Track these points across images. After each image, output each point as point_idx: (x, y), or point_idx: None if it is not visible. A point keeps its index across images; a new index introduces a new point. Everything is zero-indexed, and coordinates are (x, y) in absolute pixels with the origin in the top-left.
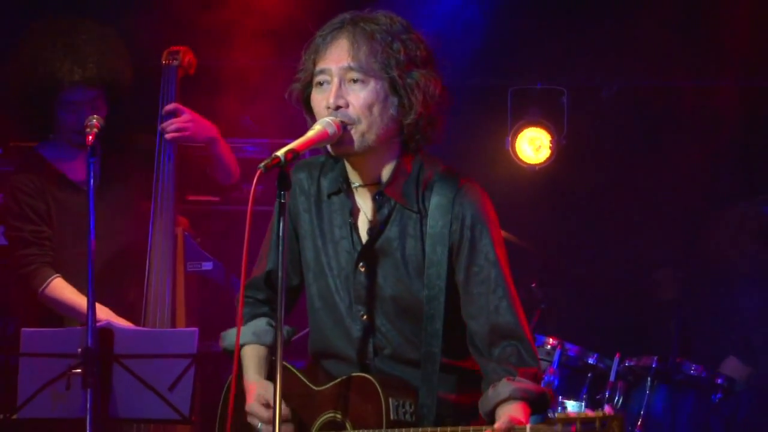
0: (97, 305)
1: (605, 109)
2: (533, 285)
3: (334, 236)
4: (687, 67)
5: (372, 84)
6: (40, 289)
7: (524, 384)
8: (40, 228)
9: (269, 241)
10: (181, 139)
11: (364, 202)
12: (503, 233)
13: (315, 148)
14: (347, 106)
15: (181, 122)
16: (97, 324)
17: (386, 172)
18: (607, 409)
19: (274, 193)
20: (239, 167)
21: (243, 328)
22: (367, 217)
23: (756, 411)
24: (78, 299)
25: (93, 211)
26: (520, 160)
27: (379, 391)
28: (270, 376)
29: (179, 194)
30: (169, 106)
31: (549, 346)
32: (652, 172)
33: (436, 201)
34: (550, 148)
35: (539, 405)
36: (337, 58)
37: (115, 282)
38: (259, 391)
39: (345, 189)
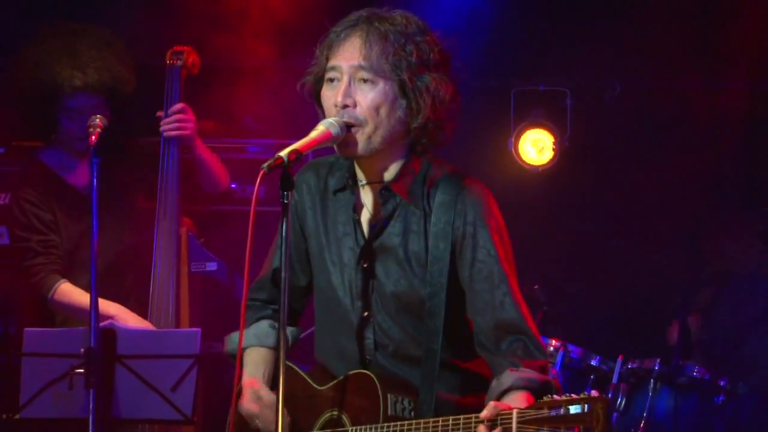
0: (108, 302)
1: (609, 111)
2: (536, 287)
3: (337, 233)
4: (692, 68)
5: (381, 85)
6: (49, 296)
7: (527, 373)
8: (47, 237)
9: (277, 240)
10: (183, 138)
11: (369, 199)
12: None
13: (320, 148)
14: (355, 105)
15: (182, 120)
16: (107, 321)
17: (393, 170)
18: (592, 392)
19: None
20: (241, 168)
21: (245, 332)
22: (370, 213)
23: (758, 413)
24: (87, 300)
25: (96, 212)
26: (523, 161)
27: (377, 386)
28: (274, 379)
29: (183, 195)
30: (177, 106)
31: (552, 348)
32: (656, 174)
33: (440, 199)
34: (553, 149)
35: (544, 394)
36: (348, 56)
37: (120, 282)
38: (251, 387)
39: (351, 186)
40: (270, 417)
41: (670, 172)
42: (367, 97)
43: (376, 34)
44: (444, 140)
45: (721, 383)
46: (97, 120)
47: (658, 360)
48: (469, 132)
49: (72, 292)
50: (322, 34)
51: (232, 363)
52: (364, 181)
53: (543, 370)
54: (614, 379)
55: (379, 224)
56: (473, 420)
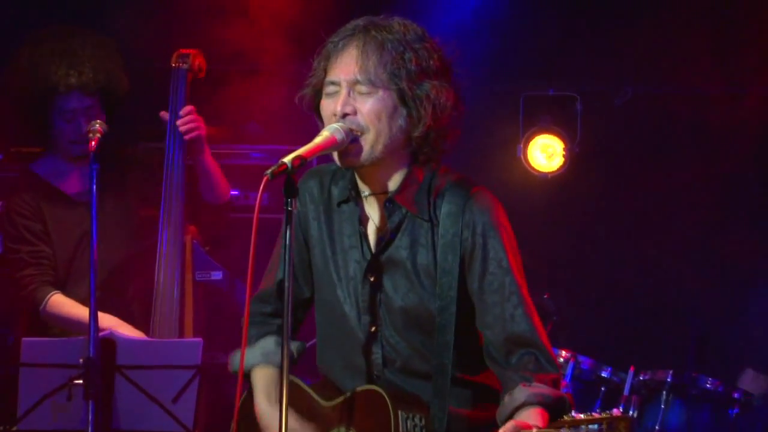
0: (103, 314)
1: (619, 116)
2: (545, 296)
3: (343, 245)
4: (705, 73)
5: (380, 93)
6: (41, 308)
7: (540, 389)
8: (38, 248)
9: (278, 250)
10: (200, 139)
11: (374, 211)
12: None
13: (323, 154)
14: (355, 113)
15: (197, 120)
16: (100, 333)
17: (396, 181)
18: (614, 411)
19: (283, 200)
20: (244, 174)
21: (251, 349)
22: (376, 225)
23: None
24: (79, 311)
25: (95, 219)
26: (533, 167)
27: (388, 403)
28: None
29: (188, 201)
30: (187, 108)
31: (562, 359)
32: (668, 180)
33: (447, 209)
34: (563, 155)
35: (558, 410)
36: (346, 69)
37: (122, 291)
38: (270, 423)
39: (354, 197)
40: None
41: (684, 179)
42: (366, 105)
43: (373, 43)
44: (447, 148)
45: (735, 395)
46: (97, 125)
47: (671, 371)
48: (476, 137)
49: (64, 304)
50: (320, 45)
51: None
52: (367, 192)
53: (555, 383)
54: (625, 391)
55: (385, 237)
56: None
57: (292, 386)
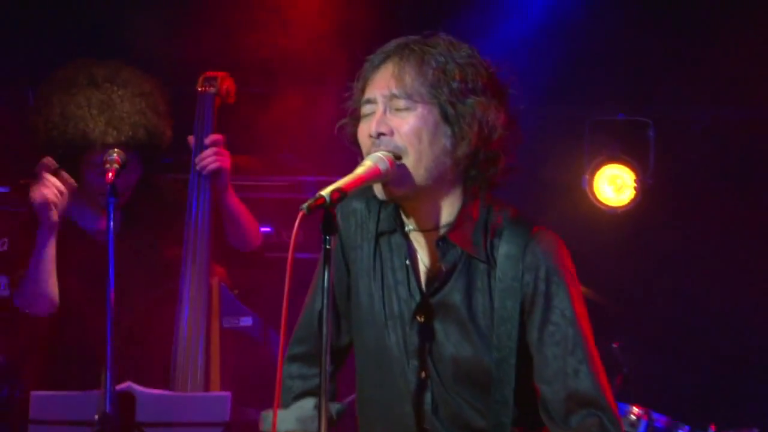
0: None
1: (697, 144)
2: (615, 346)
3: (389, 280)
4: None
5: (419, 109)
6: (15, 292)
7: None
8: None
9: (314, 290)
10: (222, 173)
11: (423, 247)
12: (581, 287)
13: (366, 186)
14: (392, 133)
15: (221, 153)
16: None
17: (447, 216)
18: None
19: (320, 238)
20: (277, 209)
21: (286, 412)
22: (424, 264)
23: None
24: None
25: (113, 256)
26: (599, 201)
27: None
28: None
29: (215, 240)
30: (214, 137)
31: (633, 417)
32: (752, 216)
33: (505, 250)
34: (634, 187)
35: None
36: (382, 84)
37: (138, 338)
38: None
39: (400, 230)
40: None
41: (766, 214)
42: (404, 122)
43: (412, 56)
44: (500, 177)
45: None
46: (115, 155)
47: (756, 430)
48: (536, 167)
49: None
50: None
51: None
52: (412, 228)
53: None
54: None
55: (439, 278)
56: None
57: None
